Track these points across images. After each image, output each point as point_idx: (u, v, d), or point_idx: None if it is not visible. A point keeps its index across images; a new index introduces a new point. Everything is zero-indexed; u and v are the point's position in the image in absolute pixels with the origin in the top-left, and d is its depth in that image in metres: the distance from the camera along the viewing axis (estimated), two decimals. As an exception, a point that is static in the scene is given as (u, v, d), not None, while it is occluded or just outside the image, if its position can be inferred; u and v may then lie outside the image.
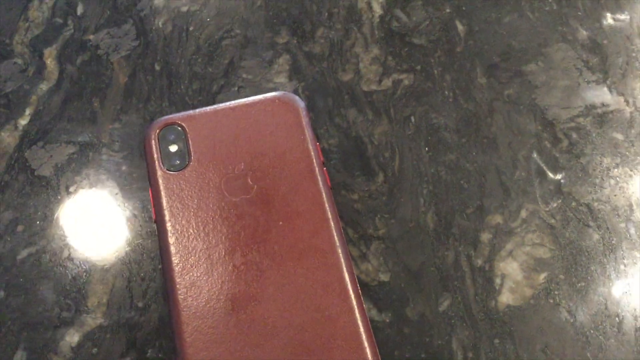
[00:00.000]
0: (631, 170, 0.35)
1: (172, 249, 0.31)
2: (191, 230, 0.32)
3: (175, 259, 0.31)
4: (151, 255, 0.34)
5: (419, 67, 0.39)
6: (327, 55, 0.39)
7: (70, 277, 0.33)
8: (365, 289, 0.33)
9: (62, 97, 0.38)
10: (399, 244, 0.33)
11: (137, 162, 0.36)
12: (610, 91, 0.38)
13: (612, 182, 0.35)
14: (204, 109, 0.35)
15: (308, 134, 0.34)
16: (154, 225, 0.34)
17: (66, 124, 0.37)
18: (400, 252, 0.33)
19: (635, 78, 0.38)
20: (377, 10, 0.41)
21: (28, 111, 0.38)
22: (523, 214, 0.34)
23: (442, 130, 0.37)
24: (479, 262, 0.33)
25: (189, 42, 0.40)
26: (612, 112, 0.37)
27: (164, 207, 0.32)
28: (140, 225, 0.34)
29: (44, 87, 0.39)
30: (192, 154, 0.34)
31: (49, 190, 0.35)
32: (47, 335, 0.32)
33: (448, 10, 0.41)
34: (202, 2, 0.42)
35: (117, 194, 0.35)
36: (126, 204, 0.35)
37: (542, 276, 0.32)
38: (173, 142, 0.34)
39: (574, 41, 0.39)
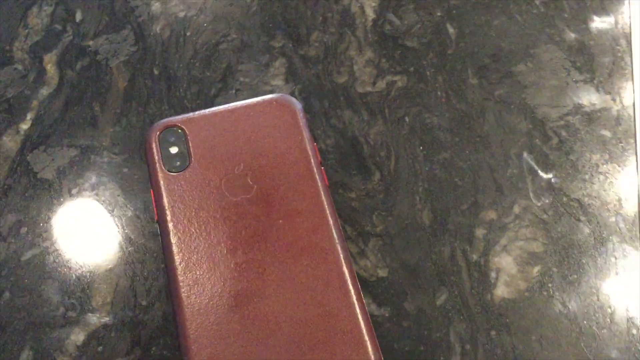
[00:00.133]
0: (619, 166, 0.36)
1: (175, 248, 0.32)
2: (193, 230, 0.32)
3: (178, 258, 0.31)
4: (154, 255, 0.34)
5: (412, 69, 0.39)
6: (322, 58, 0.40)
7: (74, 278, 0.33)
8: (365, 284, 0.33)
9: (62, 102, 0.38)
10: (396, 240, 0.34)
11: (138, 164, 0.36)
12: (598, 90, 0.38)
13: (602, 177, 0.35)
14: (203, 111, 0.35)
15: (305, 134, 0.35)
16: (156, 226, 0.34)
17: (67, 128, 0.37)
18: (398, 248, 0.34)
19: (622, 77, 0.39)
20: (370, 14, 0.41)
21: (29, 116, 0.38)
22: (516, 209, 0.35)
23: (436, 129, 0.37)
24: (475, 256, 0.33)
25: (187, 47, 0.40)
26: (599, 110, 0.38)
27: (166, 208, 0.33)
28: (143, 226, 0.35)
29: (44, 92, 0.39)
30: (192, 156, 0.34)
31: (51, 192, 0.35)
32: (52, 334, 0.32)
33: (439, 14, 0.41)
34: (199, 7, 0.42)
35: (118, 195, 0.35)
36: (128, 205, 0.35)
37: (536, 269, 0.33)
38: (173, 144, 0.34)
39: (562, 42, 0.40)
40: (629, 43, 0.40)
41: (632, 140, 0.36)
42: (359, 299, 0.30)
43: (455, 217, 0.34)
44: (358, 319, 0.30)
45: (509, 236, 0.34)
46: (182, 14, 0.42)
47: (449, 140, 0.37)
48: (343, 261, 0.31)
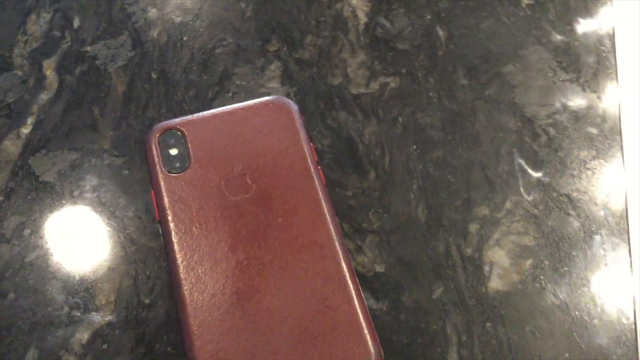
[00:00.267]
0: (606, 162, 0.36)
1: (177, 247, 0.32)
2: (194, 229, 0.32)
3: (180, 257, 0.32)
4: (156, 254, 0.34)
5: (404, 71, 0.40)
6: (316, 61, 0.40)
7: (77, 278, 0.33)
8: (362, 279, 0.33)
9: (62, 106, 0.39)
10: (393, 236, 0.34)
11: (139, 166, 0.37)
12: (584, 89, 0.39)
13: (589, 173, 0.36)
14: (201, 113, 0.36)
15: (302, 135, 0.35)
16: (158, 226, 0.35)
17: (68, 131, 0.38)
18: (394, 244, 0.34)
19: (606, 76, 0.39)
20: (362, 18, 0.42)
21: (30, 120, 0.38)
22: (508, 205, 0.35)
23: (429, 129, 0.38)
24: (469, 251, 0.34)
25: (184, 52, 0.41)
26: (586, 108, 0.38)
27: (167, 208, 0.33)
28: (144, 226, 0.35)
29: (44, 97, 0.39)
30: (191, 157, 0.34)
31: (53, 195, 0.36)
32: (57, 333, 0.32)
33: (428, 17, 0.42)
34: (195, 13, 0.42)
35: (120, 197, 0.36)
36: (129, 206, 0.35)
37: (528, 262, 0.33)
38: (173, 146, 0.35)
39: (548, 43, 0.41)
40: (613, 43, 0.41)
41: (617, 137, 0.37)
42: (358, 294, 0.31)
43: (449, 213, 0.35)
44: (357, 312, 0.30)
45: (502, 231, 0.34)
46: (178, 20, 0.42)
47: (442, 139, 0.37)
48: (341, 257, 0.32)
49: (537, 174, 0.36)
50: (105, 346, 0.31)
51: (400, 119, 0.38)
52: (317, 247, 0.32)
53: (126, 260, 0.34)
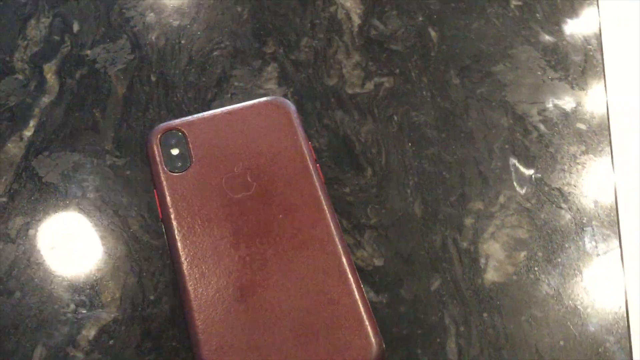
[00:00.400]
0: (595, 157, 0.37)
1: (180, 244, 0.32)
2: (197, 227, 0.33)
3: (183, 254, 0.32)
4: (159, 252, 0.34)
5: (397, 71, 0.40)
6: (312, 62, 0.41)
7: (83, 276, 0.33)
8: (362, 273, 0.34)
9: (64, 109, 0.39)
10: (391, 231, 0.35)
11: (140, 167, 0.37)
12: (572, 87, 0.40)
13: (579, 167, 0.37)
14: (201, 114, 0.36)
15: (300, 134, 0.36)
16: (161, 224, 0.35)
17: (70, 133, 0.38)
18: (392, 238, 0.35)
19: (594, 74, 0.40)
20: (356, 20, 0.43)
21: (32, 123, 0.38)
22: (501, 199, 0.36)
23: (423, 127, 0.38)
24: (465, 244, 0.34)
25: (182, 54, 0.41)
26: (575, 105, 0.39)
27: (170, 206, 0.33)
28: (147, 225, 0.35)
29: (45, 100, 0.39)
30: (192, 157, 0.34)
31: (57, 195, 0.36)
32: (64, 330, 0.32)
33: (421, 19, 0.43)
34: (192, 16, 0.43)
35: (122, 196, 0.36)
36: (132, 206, 0.36)
37: (522, 254, 0.34)
38: (174, 146, 0.35)
39: (537, 43, 0.42)
40: (599, 42, 0.42)
41: (606, 132, 0.38)
42: (358, 287, 0.31)
43: (444, 208, 0.35)
44: (358, 305, 0.31)
45: (496, 224, 0.35)
46: (175, 23, 0.42)
47: (436, 137, 0.38)
48: (341, 252, 0.32)
49: (529, 169, 0.37)
50: (111, 342, 0.32)
51: (395, 118, 0.39)
52: (318, 243, 0.32)
53: (130, 258, 0.34)
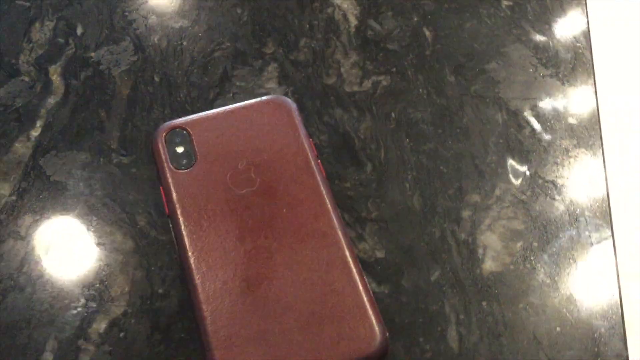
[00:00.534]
0: (586, 150, 0.38)
1: (187, 239, 0.32)
2: (203, 222, 0.33)
3: (190, 248, 0.32)
4: (166, 247, 0.34)
5: (394, 70, 0.41)
6: (311, 62, 0.41)
7: (92, 271, 0.34)
8: (364, 265, 0.34)
9: (70, 110, 0.39)
10: (391, 224, 0.35)
11: (146, 165, 0.37)
12: (563, 83, 0.40)
13: (572, 160, 0.37)
14: (205, 113, 0.36)
15: (301, 131, 0.36)
16: (168, 220, 0.35)
17: (76, 133, 0.38)
18: (393, 231, 0.35)
19: (583, 71, 0.41)
20: (353, 21, 0.43)
21: (39, 123, 0.38)
22: (497, 192, 0.36)
23: (420, 123, 0.39)
24: (463, 236, 0.35)
25: (184, 55, 0.41)
26: (566, 100, 0.40)
27: (176, 202, 0.33)
28: (154, 220, 0.35)
29: (52, 101, 0.39)
30: (197, 154, 0.35)
31: (65, 193, 0.36)
32: (75, 324, 0.32)
33: (415, 19, 0.43)
34: (193, 19, 0.43)
35: (129, 193, 0.36)
36: (139, 202, 0.36)
37: (519, 245, 0.35)
38: (179, 144, 0.35)
39: (528, 41, 0.42)
40: (588, 40, 0.42)
41: (596, 127, 0.39)
42: (361, 278, 0.32)
43: (442, 201, 0.36)
44: (362, 295, 0.31)
45: (493, 216, 0.35)
46: (177, 25, 0.43)
47: (433, 133, 0.38)
48: (344, 244, 0.32)
49: (523, 163, 0.37)
50: (122, 334, 0.32)
51: (393, 115, 0.39)
52: (321, 236, 0.33)
53: (138, 253, 0.34)
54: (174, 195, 0.34)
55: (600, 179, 0.37)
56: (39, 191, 0.36)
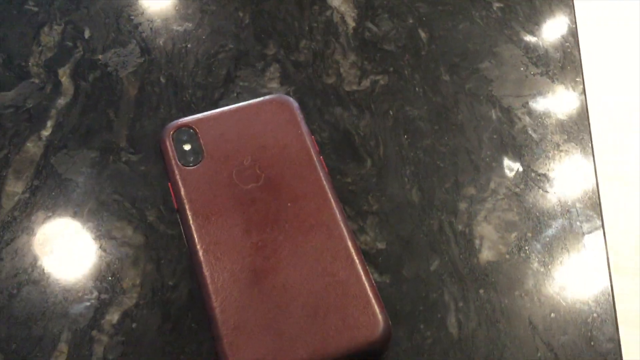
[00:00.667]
0: (576, 145, 0.38)
1: (196, 232, 0.33)
2: (210, 216, 0.33)
3: (199, 241, 0.32)
4: (175, 241, 0.35)
5: (391, 69, 0.41)
6: (311, 62, 0.41)
7: (104, 264, 0.34)
8: (366, 256, 0.34)
9: (79, 110, 0.39)
10: (391, 216, 0.36)
11: (154, 162, 0.37)
12: (553, 81, 0.41)
13: (563, 154, 0.38)
14: (210, 112, 0.37)
15: (304, 128, 0.36)
16: (176, 215, 0.35)
17: (86, 132, 0.38)
18: (393, 223, 0.35)
19: (572, 69, 0.41)
20: (351, 23, 0.43)
21: (49, 123, 0.38)
22: (492, 185, 0.37)
23: (417, 120, 0.39)
24: (460, 227, 0.35)
25: (189, 57, 0.41)
26: (556, 97, 0.40)
27: (185, 198, 0.34)
28: (163, 216, 0.35)
29: (61, 102, 0.39)
30: (204, 151, 0.35)
31: (76, 190, 0.36)
32: (89, 315, 0.32)
33: (411, 21, 0.44)
34: (197, 22, 0.43)
35: (139, 190, 0.36)
36: (148, 198, 0.36)
37: (513, 235, 0.35)
38: (186, 142, 0.35)
39: (519, 41, 0.43)
40: (576, 40, 0.43)
41: (585, 122, 0.39)
42: (364, 268, 0.32)
43: (440, 194, 0.36)
44: (365, 285, 0.31)
45: (488, 208, 0.36)
46: (181, 29, 0.43)
47: (429, 129, 0.39)
48: (347, 236, 0.33)
49: (516, 157, 0.38)
50: (134, 325, 0.32)
51: (391, 112, 0.39)
52: (325, 228, 0.33)
53: (148, 247, 0.34)
54: (182, 191, 0.34)
55: (589, 171, 0.37)
56: (51, 188, 0.36)
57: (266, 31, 0.43)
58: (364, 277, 0.32)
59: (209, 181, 0.34)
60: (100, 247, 0.34)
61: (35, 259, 0.34)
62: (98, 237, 0.35)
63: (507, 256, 0.34)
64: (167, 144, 0.35)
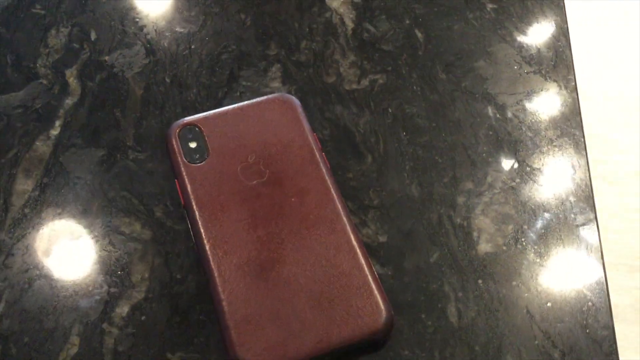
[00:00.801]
0: (569, 139, 0.38)
1: (203, 227, 0.33)
2: (217, 211, 0.33)
3: (206, 236, 0.32)
4: (182, 236, 0.35)
5: (389, 68, 0.41)
6: (312, 62, 0.41)
7: (113, 259, 0.34)
8: (368, 248, 0.35)
9: (87, 110, 0.39)
10: (392, 211, 0.36)
11: (161, 160, 0.37)
12: (546, 79, 0.41)
13: (556, 149, 0.38)
14: (215, 110, 0.37)
15: (306, 126, 0.36)
16: (183, 211, 0.35)
17: (93, 131, 0.38)
18: (393, 217, 0.35)
19: (564, 67, 0.42)
20: (349, 24, 0.43)
21: (58, 123, 0.38)
22: (489, 179, 0.37)
23: (415, 117, 0.39)
24: (458, 220, 0.35)
25: (193, 58, 0.41)
26: (549, 95, 0.40)
27: (191, 194, 0.34)
28: (171, 212, 0.35)
29: (69, 102, 0.39)
30: (209, 149, 0.35)
31: (85, 187, 0.36)
32: (99, 309, 0.32)
33: (407, 22, 0.44)
34: (200, 24, 0.43)
35: (146, 187, 0.36)
36: (155, 195, 0.36)
37: (510, 227, 0.35)
38: (192, 140, 0.35)
39: (512, 41, 0.43)
40: (567, 39, 0.43)
41: (578, 118, 0.39)
42: (367, 260, 0.32)
43: (439, 188, 0.36)
44: (367, 276, 0.32)
45: (485, 201, 0.36)
46: (185, 31, 0.43)
47: (427, 126, 0.39)
48: (349, 230, 0.33)
49: (511, 152, 0.38)
50: (143, 318, 0.32)
51: (389, 110, 0.39)
52: (328, 222, 0.33)
53: (156, 242, 0.34)
54: (189, 187, 0.34)
55: (582, 165, 0.37)
56: (60, 186, 0.36)
57: (267, 32, 0.43)
58: (366, 269, 0.32)
59: (214, 178, 0.34)
60: (109, 243, 0.34)
61: (45, 254, 0.34)
62: (107, 233, 0.35)
63: (504, 248, 0.35)
64: (174, 141, 0.35)
